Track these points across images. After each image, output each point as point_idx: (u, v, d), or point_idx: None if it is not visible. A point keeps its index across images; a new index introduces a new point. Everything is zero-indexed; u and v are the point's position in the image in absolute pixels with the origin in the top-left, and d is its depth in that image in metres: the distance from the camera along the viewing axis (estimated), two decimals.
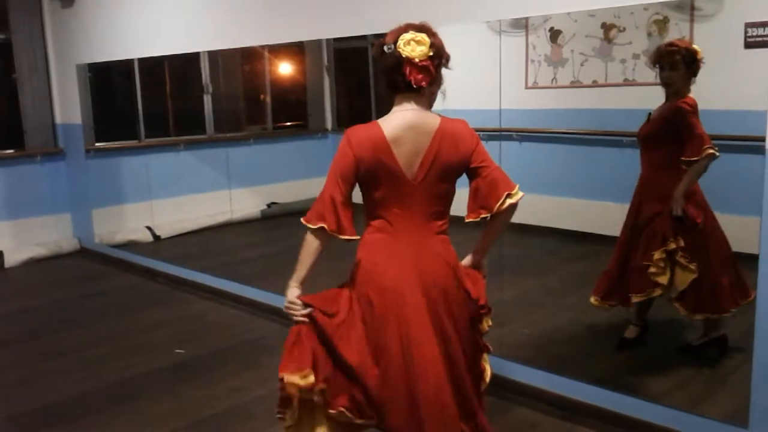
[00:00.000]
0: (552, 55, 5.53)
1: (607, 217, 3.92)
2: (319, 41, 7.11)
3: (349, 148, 2.11)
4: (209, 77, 7.03)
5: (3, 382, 3.81)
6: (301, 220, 2.16)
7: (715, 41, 4.69)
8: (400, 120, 2.12)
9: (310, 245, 2.15)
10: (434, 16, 3.63)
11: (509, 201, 2.11)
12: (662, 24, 4.91)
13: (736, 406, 2.88)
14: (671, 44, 3.46)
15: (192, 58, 6.84)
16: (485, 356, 2.31)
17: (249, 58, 7.78)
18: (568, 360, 3.64)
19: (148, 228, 6.70)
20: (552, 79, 5.54)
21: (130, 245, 6.45)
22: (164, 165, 6.89)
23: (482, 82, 3.85)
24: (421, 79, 2.07)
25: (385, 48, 2.09)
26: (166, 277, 5.65)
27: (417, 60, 2.05)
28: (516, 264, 4.13)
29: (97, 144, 6.48)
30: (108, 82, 7.25)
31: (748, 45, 4.36)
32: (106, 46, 5.82)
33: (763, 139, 2.53)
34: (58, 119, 6.55)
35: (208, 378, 3.73)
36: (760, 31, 4.27)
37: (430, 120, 2.13)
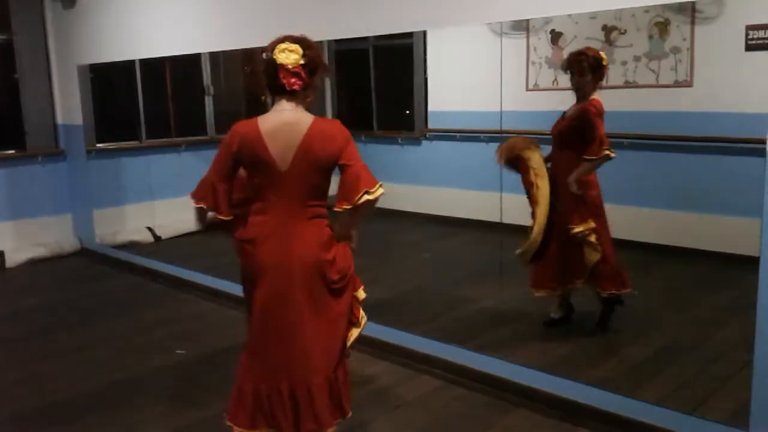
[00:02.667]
0: (553, 57, 5.54)
1: (608, 218, 3.93)
2: (320, 43, 7.12)
3: (229, 141, 2.45)
4: (210, 78, 7.04)
5: (3, 382, 3.81)
6: (189, 194, 2.54)
7: (716, 44, 4.70)
8: (276, 118, 2.43)
9: (199, 220, 2.62)
10: (435, 18, 3.65)
11: (366, 197, 2.38)
12: (663, 26, 4.92)
13: (736, 408, 2.89)
14: (580, 53, 3.76)
15: (193, 59, 6.85)
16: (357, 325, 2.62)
17: (250, 59, 7.78)
18: (568, 361, 3.64)
19: (149, 229, 6.71)
20: (553, 81, 5.55)
21: (131, 246, 6.46)
22: (165, 166, 6.89)
23: (483, 83, 3.86)
24: (293, 83, 2.38)
25: (264, 55, 2.41)
26: (167, 277, 5.65)
27: (290, 66, 2.37)
28: (516, 266, 4.13)
29: (98, 145, 6.47)
30: (109, 82, 7.25)
31: (749, 47, 4.37)
32: (107, 46, 5.83)
33: (763, 142, 2.53)
34: (60, 120, 6.56)
35: (208, 378, 3.73)
36: (761, 34, 4.28)
37: (304, 119, 2.43)
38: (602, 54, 3.77)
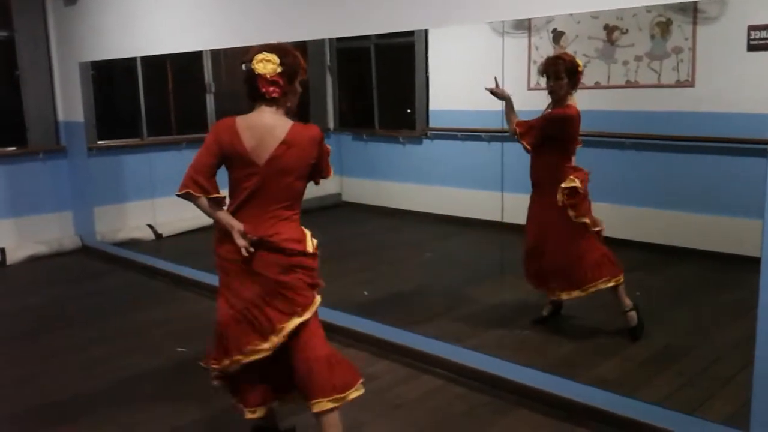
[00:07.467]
0: None
1: (608, 219, 3.93)
2: (321, 41, 7.12)
3: (213, 135, 2.61)
4: (212, 76, 7.04)
5: (3, 380, 3.81)
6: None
7: (718, 44, 4.70)
8: (256, 117, 2.57)
9: (199, 204, 2.78)
10: (437, 17, 3.65)
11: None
12: (665, 26, 4.92)
13: (736, 409, 2.89)
14: (557, 57, 3.80)
15: (195, 57, 6.85)
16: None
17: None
18: (568, 361, 3.65)
19: (150, 226, 6.71)
20: None
21: (132, 243, 6.46)
22: (166, 163, 6.88)
23: (485, 82, 3.87)
24: (272, 91, 2.52)
25: (243, 66, 2.55)
26: (168, 275, 5.65)
27: (268, 75, 2.50)
28: (516, 266, 4.13)
29: (99, 142, 6.49)
30: (110, 80, 7.26)
31: (751, 48, 4.37)
32: (108, 43, 5.83)
33: (765, 142, 2.53)
34: (61, 117, 6.56)
35: (209, 377, 3.72)
36: (763, 34, 4.28)
37: (282, 124, 2.56)
38: (578, 60, 3.80)
